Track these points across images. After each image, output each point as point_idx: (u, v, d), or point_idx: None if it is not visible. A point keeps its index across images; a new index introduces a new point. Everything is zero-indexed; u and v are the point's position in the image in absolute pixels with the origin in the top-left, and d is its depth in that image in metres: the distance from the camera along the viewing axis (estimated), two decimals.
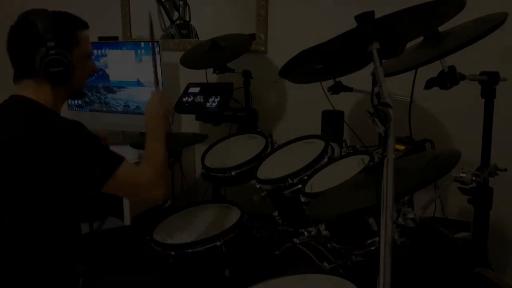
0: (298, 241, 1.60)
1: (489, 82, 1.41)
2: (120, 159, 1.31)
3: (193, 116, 2.32)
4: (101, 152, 1.31)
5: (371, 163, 1.57)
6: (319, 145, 1.81)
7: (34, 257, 1.27)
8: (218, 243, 1.61)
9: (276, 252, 1.69)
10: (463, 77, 1.39)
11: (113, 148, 1.38)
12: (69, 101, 2.62)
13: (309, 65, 1.05)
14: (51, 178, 1.23)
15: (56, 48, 1.29)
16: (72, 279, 1.32)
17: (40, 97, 1.32)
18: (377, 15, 0.88)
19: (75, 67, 1.33)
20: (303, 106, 2.36)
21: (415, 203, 1.64)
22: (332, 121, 2.04)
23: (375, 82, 0.89)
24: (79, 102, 2.64)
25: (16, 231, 1.26)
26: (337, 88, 1.99)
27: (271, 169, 1.84)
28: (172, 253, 1.60)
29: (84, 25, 1.39)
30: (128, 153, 2.28)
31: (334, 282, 1.25)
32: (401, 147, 1.67)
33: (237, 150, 2.09)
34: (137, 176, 1.36)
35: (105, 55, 2.50)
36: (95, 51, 2.51)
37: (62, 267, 1.32)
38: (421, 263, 1.48)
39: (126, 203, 2.20)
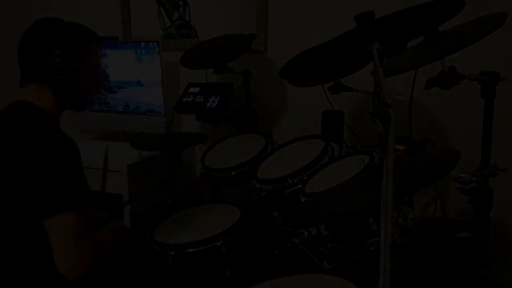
0: (298, 241, 1.61)
1: (489, 82, 1.41)
2: (79, 205, 1.22)
3: (193, 116, 2.32)
4: (68, 185, 1.21)
5: (371, 163, 1.57)
6: (319, 145, 1.81)
7: (25, 260, 1.26)
8: (218, 243, 1.61)
9: (276, 252, 1.69)
10: (463, 77, 1.39)
11: None
12: None
13: (309, 66, 1.05)
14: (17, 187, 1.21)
15: (63, 56, 1.30)
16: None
17: (42, 102, 1.33)
18: (377, 15, 0.88)
19: (82, 76, 1.35)
20: (303, 106, 2.36)
21: (415, 203, 1.64)
22: (332, 121, 2.04)
23: (377, 82, 0.89)
24: None
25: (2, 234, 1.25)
26: (337, 88, 1.99)
27: (271, 169, 1.84)
28: (172, 253, 1.60)
29: (97, 39, 1.41)
30: (128, 153, 2.28)
31: (334, 282, 1.25)
32: (401, 147, 1.67)
33: (237, 150, 2.09)
34: (75, 237, 1.21)
35: (105, 55, 2.50)
36: None
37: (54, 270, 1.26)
38: (421, 263, 1.48)
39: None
